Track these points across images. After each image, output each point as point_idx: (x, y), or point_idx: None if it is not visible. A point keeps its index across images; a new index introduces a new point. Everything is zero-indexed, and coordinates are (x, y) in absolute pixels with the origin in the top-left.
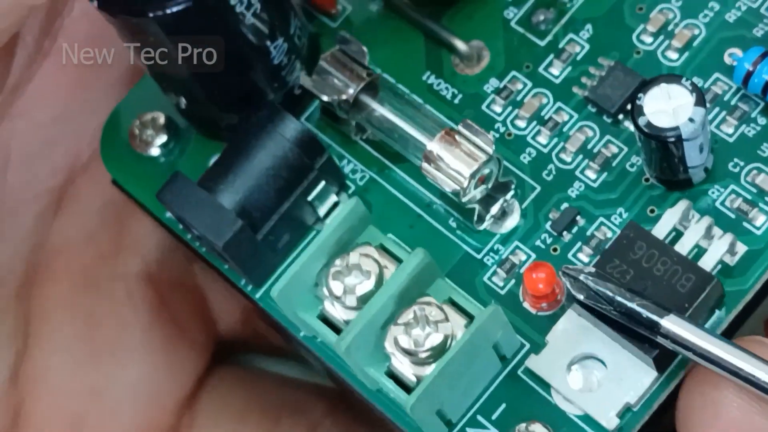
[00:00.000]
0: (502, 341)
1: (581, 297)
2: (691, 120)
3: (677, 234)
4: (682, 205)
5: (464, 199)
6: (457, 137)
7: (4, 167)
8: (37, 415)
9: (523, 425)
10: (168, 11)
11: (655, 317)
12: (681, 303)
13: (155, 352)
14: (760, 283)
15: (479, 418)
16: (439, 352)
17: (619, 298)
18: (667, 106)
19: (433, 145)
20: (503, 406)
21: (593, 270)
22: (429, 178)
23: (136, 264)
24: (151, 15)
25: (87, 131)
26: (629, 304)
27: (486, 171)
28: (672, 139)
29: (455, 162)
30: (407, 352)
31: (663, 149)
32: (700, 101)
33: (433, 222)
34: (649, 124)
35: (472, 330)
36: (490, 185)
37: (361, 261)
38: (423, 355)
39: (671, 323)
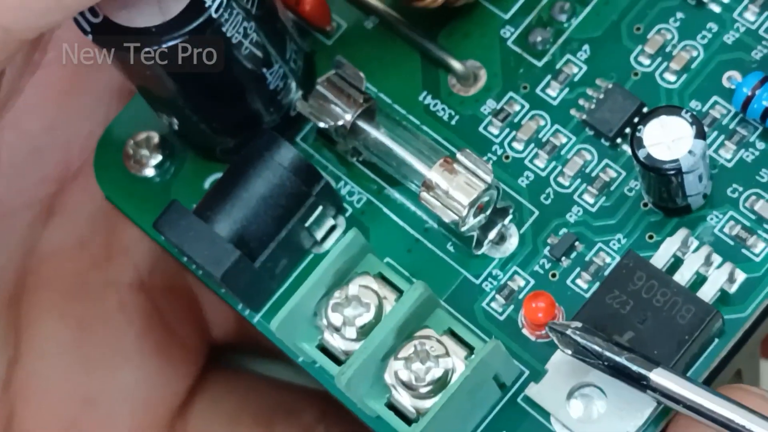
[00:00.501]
0: (502, 371)
1: (569, 352)
2: (690, 153)
3: (676, 260)
4: (681, 233)
5: (463, 229)
6: (455, 166)
7: None
8: (30, 422)
9: None
10: (164, 45)
11: (643, 371)
12: (681, 335)
13: (148, 358)
14: (759, 310)
15: None
16: (439, 386)
17: (607, 353)
18: (667, 139)
19: (432, 174)
20: None
21: (580, 325)
22: (428, 207)
23: (127, 271)
24: (147, 49)
25: (77, 140)
26: (617, 359)
27: (485, 199)
28: (672, 172)
29: (454, 191)
30: (407, 386)
31: (663, 181)
32: (700, 134)
33: (431, 246)
34: (648, 157)
35: (473, 366)
36: (488, 212)
37: (360, 292)
38: (423, 390)
39: (659, 377)
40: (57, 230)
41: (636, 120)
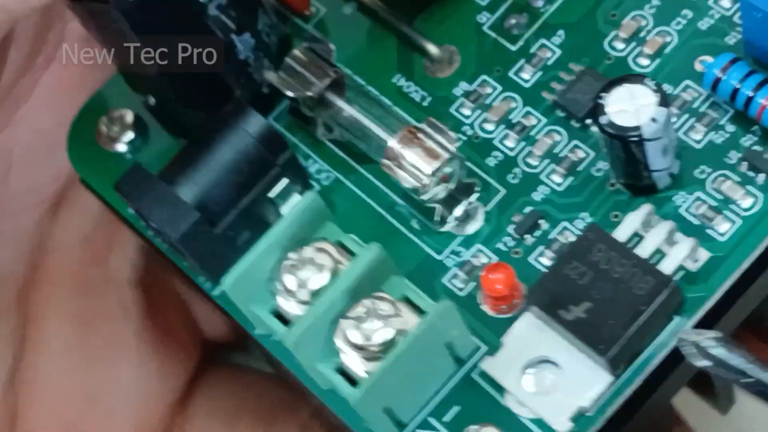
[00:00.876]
0: (456, 342)
1: (705, 364)
2: (653, 120)
3: (639, 239)
4: (645, 209)
5: (424, 197)
6: (419, 135)
7: (7, 172)
8: (32, 420)
9: (474, 428)
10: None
11: None
12: (638, 305)
13: (145, 354)
14: (721, 290)
15: (431, 420)
16: (389, 347)
17: (751, 367)
18: (630, 106)
19: (394, 143)
20: (456, 408)
21: (719, 335)
22: (390, 175)
23: (126, 268)
24: (111, 2)
25: None
26: (762, 375)
27: (448, 170)
28: (634, 139)
29: (416, 159)
30: (357, 347)
31: (625, 150)
32: (663, 101)
33: (396, 223)
34: (611, 124)
35: (424, 326)
36: (452, 185)
37: (315, 255)
38: (373, 350)
39: None
40: (63, 226)
41: None
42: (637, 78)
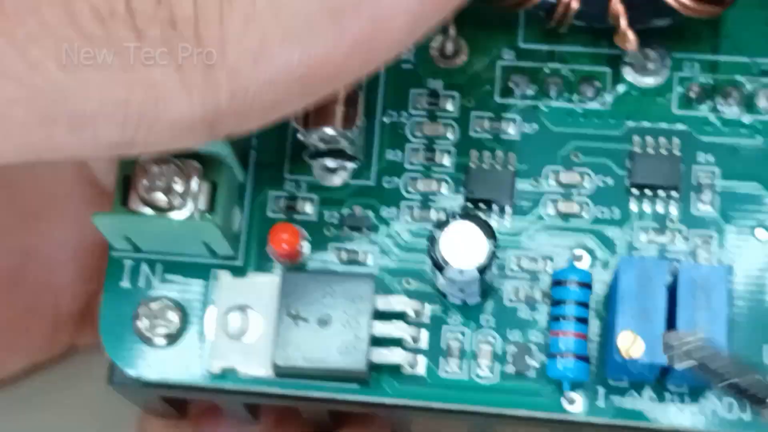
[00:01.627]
0: (214, 245)
1: (688, 365)
2: (460, 272)
3: (396, 317)
4: (418, 305)
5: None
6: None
7: None
8: None
9: (165, 305)
10: None
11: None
12: (328, 356)
13: (76, 207)
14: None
15: (165, 274)
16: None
17: (729, 370)
18: (463, 245)
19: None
20: (180, 278)
21: (703, 336)
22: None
23: None
24: None
25: None
26: (740, 380)
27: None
28: (438, 265)
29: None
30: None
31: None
32: (482, 270)
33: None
34: (438, 247)
35: (178, 224)
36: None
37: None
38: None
39: None
40: None
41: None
42: (490, 237)
